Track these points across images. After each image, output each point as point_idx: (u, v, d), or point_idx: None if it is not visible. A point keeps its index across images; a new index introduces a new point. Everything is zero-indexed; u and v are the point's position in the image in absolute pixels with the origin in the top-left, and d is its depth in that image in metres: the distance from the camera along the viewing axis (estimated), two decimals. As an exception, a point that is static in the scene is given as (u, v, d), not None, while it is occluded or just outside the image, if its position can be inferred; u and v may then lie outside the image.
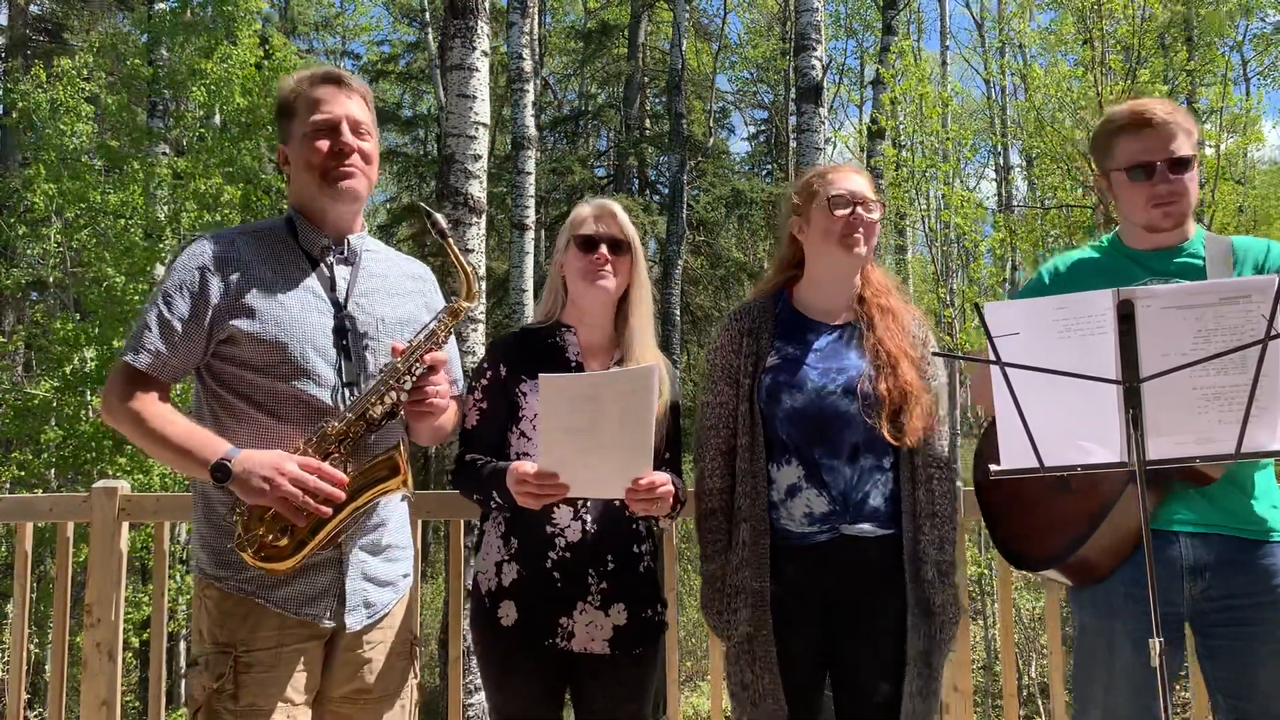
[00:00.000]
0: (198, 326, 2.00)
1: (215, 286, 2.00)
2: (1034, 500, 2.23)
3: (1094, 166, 2.43)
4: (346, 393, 2.05)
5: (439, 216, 2.11)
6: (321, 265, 2.12)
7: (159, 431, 1.95)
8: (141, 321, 2.01)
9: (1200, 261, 2.23)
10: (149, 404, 1.98)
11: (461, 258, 2.13)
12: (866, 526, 2.23)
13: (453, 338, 2.20)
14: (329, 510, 1.94)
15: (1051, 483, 2.15)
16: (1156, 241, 2.28)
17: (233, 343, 2.00)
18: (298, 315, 2.04)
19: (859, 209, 2.30)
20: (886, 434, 2.21)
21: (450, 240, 2.11)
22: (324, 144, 2.07)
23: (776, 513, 2.25)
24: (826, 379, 2.26)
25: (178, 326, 1.99)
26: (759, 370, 2.30)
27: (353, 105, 2.11)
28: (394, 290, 2.20)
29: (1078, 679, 2.25)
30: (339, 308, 2.09)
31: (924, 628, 2.21)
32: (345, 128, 2.08)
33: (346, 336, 2.08)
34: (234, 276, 2.02)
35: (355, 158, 2.08)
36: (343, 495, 1.95)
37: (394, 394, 2.04)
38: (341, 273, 2.13)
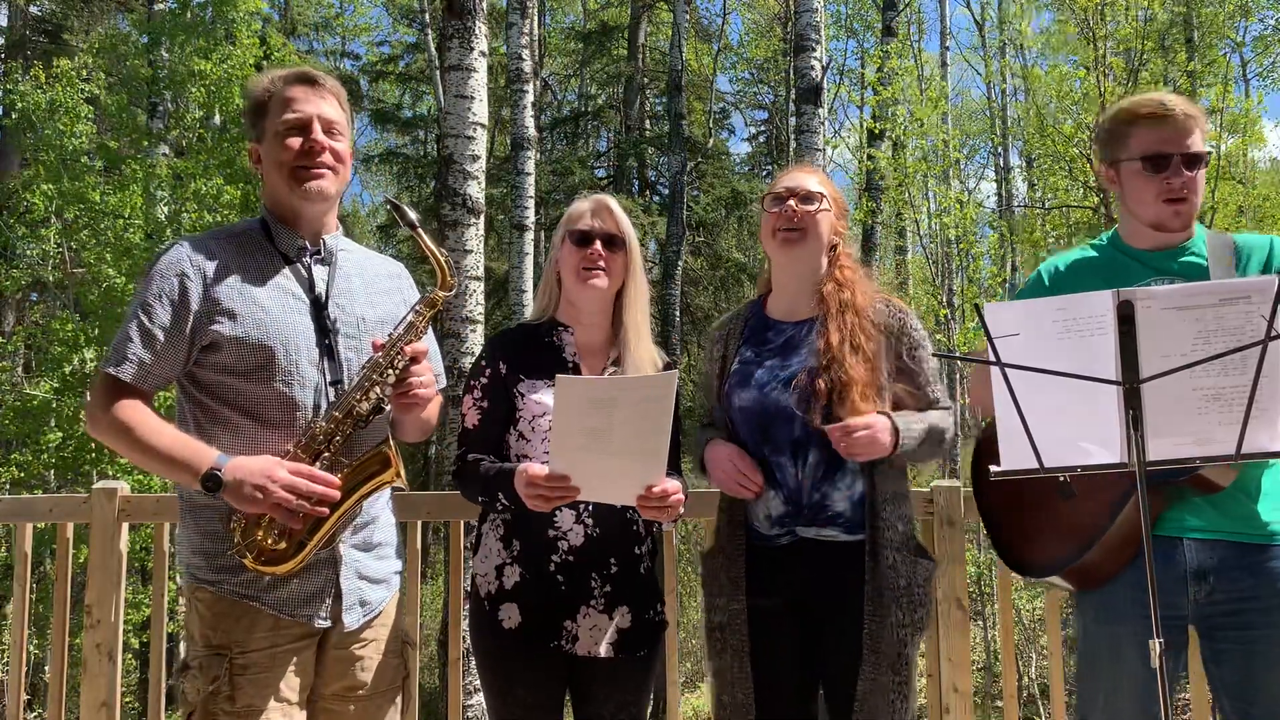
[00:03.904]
0: (180, 334, 1.98)
1: (195, 292, 1.99)
2: (1035, 506, 2.21)
3: (1100, 157, 2.34)
4: (331, 392, 2.05)
5: (407, 208, 2.10)
6: (299, 266, 2.11)
7: (147, 442, 1.94)
8: (123, 332, 1.99)
9: (1203, 261, 2.20)
10: (135, 415, 1.96)
11: (434, 247, 2.12)
12: (830, 531, 2.21)
13: (431, 333, 2.19)
14: (325, 511, 1.95)
15: (1053, 488, 2.11)
16: (1158, 240, 2.24)
17: (215, 348, 1.99)
18: (279, 317, 2.03)
19: (790, 201, 2.30)
20: (818, 426, 2.15)
21: (420, 231, 2.10)
22: (295, 142, 2.06)
23: (750, 513, 2.27)
24: (771, 375, 2.26)
25: (160, 335, 1.97)
26: (725, 376, 2.35)
27: (325, 105, 2.10)
28: (372, 289, 2.20)
29: (1081, 681, 2.24)
30: (319, 308, 2.09)
31: (895, 617, 2.15)
32: (317, 126, 2.07)
33: (329, 336, 2.07)
34: (213, 281, 2.01)
35: (326, 156, 2.07)
36: (337, 495, 1.95)
37: (378, 388, 2.03)
38: (319, 273, 2.13)
